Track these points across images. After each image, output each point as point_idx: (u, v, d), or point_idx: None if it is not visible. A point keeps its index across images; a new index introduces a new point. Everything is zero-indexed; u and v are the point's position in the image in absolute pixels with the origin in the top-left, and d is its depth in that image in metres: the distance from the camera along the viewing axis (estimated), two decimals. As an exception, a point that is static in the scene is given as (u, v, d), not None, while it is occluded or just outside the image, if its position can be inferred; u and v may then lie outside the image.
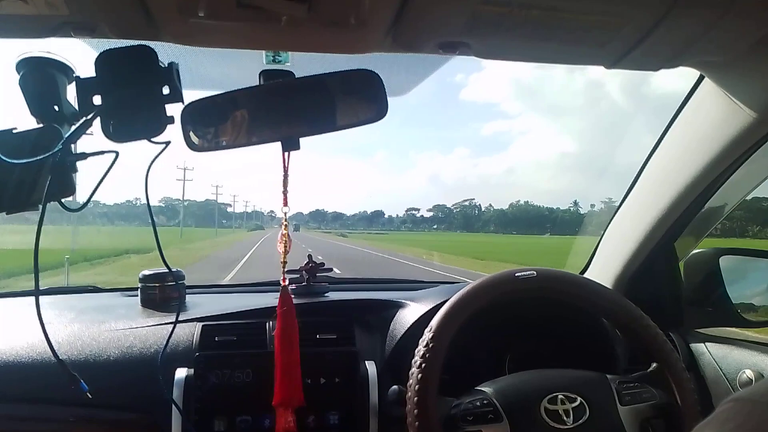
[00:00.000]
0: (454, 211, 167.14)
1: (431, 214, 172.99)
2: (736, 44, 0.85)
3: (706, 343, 1.37)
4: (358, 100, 0.88)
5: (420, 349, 0.99)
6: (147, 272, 1.50)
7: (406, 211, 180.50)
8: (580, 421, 0.95)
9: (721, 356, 1.33)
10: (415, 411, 0.94)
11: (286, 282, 1.09)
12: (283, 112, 0.89)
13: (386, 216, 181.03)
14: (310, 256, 1.54)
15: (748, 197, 1.34)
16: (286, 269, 1.09)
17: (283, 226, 1.06)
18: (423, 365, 0.97)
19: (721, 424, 0.38)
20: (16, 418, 1.17)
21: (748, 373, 1.25)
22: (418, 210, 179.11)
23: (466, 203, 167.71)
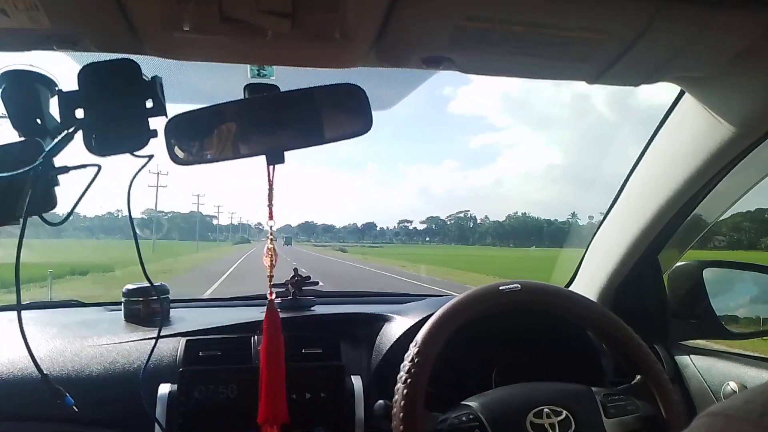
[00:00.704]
0: (448, 223, 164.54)
1: (425, 226, 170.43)
2: (714, 59, 0.86)
3: (691, 356, 1.38)
4: (343, 114, 0.89)
5: (405, 365, 0.98)
6: (130, 286, 1.48)
7: (399, 223, 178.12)
8: None
9: (706, 368, 1.34)
10: (402, 427, 0.93)
11: (273, 296, 1.08)
12: (267, 125, 0.89)
13: (378, 228, 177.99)
14: (295, 270, 1.53)
15: (753, 208, 1.35)
16: (272, 283, 1.09)
17: (268, 240, 1.05)
18: (408, 381, 0.96)
19: None
20: None
21: (732, 385, 1.25)
22: (411, 222, 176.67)
23: (461, 215, 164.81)
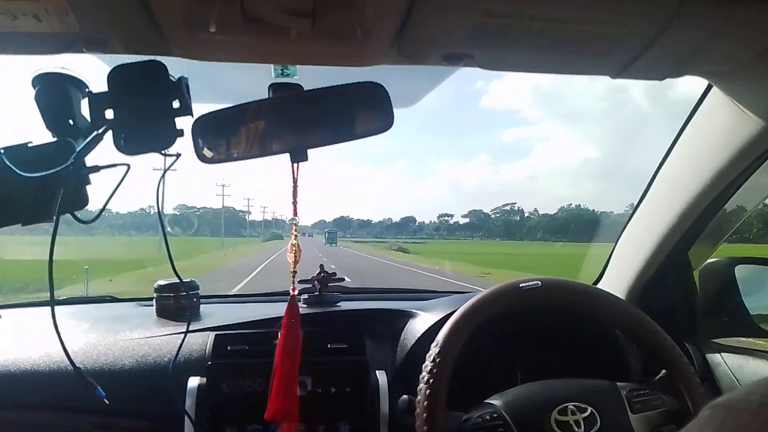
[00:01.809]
0: (492, 216, 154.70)
1: (466, 220, 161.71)
2: (741, 52, 0.85)
3: (722, 354, 1.35)
4: (365, 112, 0.90)
5: (427, 365, 0.99)
6: (162, 282, 1.52)
7: (438, 217, 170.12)
8: (592, 431, 0.94)
9: (737, 366, 1.31)
10: (425, 428, 0.94)
11: (295, 292, 1.09)
12: (291, 124, 0.91)
13: (417, 223, 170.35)
14: (321, 266, 1.55)
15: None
16: (295, 278, 1.10)
17: (293, 236, 1.07)
18: (430, 380, 0.96)
19: (698, 429, 0.38)
20: (35, 425, 1.19)
21: None
22: (451, 216, 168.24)
23: (507, 208, 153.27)
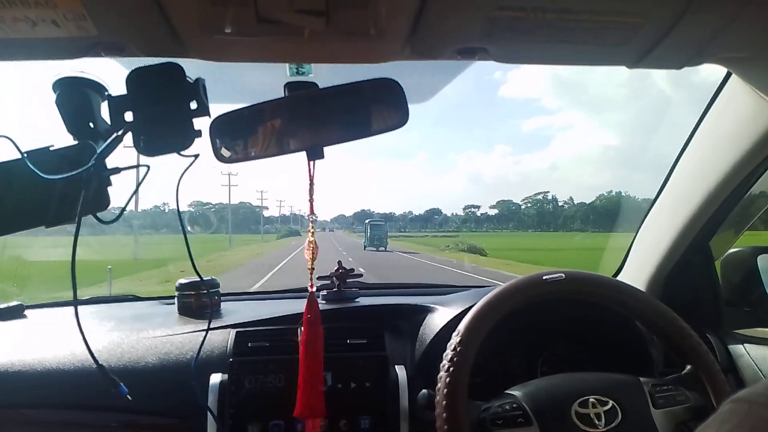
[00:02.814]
0: (523, 207, 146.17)
1: (495, 211, 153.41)
2: (759, 38, 0.83)
3: (745, 345, 1.34)
4: (380, 108, 0.90)
5: (448, 354, 0.99)
6: (183, 281, 1.54)
7: (464, 209, 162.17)
8: (613, 425, 0.94)
9: (761, 357, 1.30)
10: (444, 415, 0.94)
11: (314, 288, 1.10)
12: (307, 122, 0.91)
13: (443, 215, 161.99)
14: (339, 263, 1.56)
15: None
16: (313, 275, 1.11)
17: (310, 233, 1.07)
18: (451, 369, 0.97)
19: (719, 424, 0.38)
20: (60, 424, 1.21)
21: None
22: (478, 207, 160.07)
23: (539, 197, 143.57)
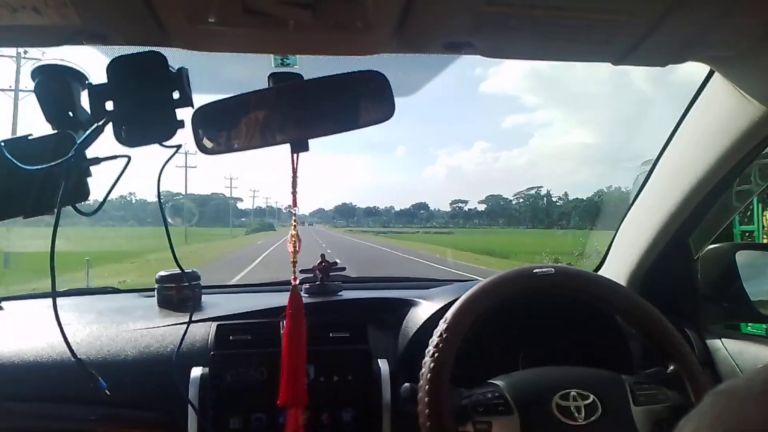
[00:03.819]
0: (514, 202, 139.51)
1: (484, 206, 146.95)
2: (744, 38, 0.84)
3: (722, 339, 1.36)
4: (366, 101, 0.89)
5: (434, 340, 0.99)
6: (163, 273, 1.52)
7: (452, 204, 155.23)
8: (592, 419, 0.95)
9: (737, 352, 1.32)
10: (427, 399, 0.94)
11: (297, 281, 1.10)
12: (292, 114, 0.90)
13: (430, 210, 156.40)
14: (323, 256, 1.55)
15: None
16: (295, 268, 1.10)
17: (292, 226, 1.07)
18: (436, 355, 0.97)
19: (700, 417, 0.38)
20: (39, 416, 1.20)
21: None
22: (466, 202, 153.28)
23: (532, 192, 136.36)
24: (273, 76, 0.91)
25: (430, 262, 22.80)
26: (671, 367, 1.03)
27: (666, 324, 1.05)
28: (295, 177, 0.99)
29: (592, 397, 0.97)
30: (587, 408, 0.96)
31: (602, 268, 1.58)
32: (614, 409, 0.97)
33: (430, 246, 36.36)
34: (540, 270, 1.06)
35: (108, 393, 0.93)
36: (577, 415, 0.95)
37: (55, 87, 0.80)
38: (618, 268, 1.49)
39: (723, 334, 1.38)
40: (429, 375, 0.96)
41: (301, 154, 0.97)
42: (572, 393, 0.97)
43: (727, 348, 1.34)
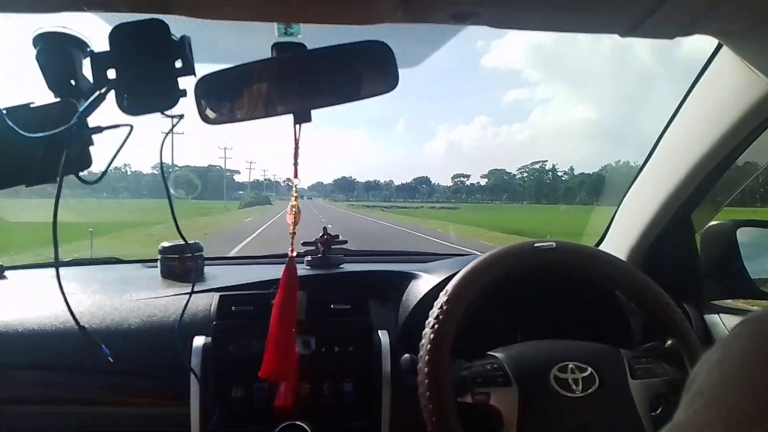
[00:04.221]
0: (518, 176, 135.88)
1: (486, 181, 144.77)
2: (753, 11, 0.83)
3: (721, 315, 1.37)
4: (370, 72, 0.88)
5: (435, 311, 1.00)
6: (166, 244, 1.53)
7: (453, 178, 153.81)
8: (589, 391, 0.96)
9: None
10: (426, 370, 0.95)
11: (294, 254, 1.10)
12: (295, 84, 0.90)
13: (433, 184, 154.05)
14: (325, 229, 1.55)
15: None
16: (301, 242, 1.10)
17: (293, 198, 1.07)
18: (436, 326, 0.98)
19: (726, 345, 0.38)
20: (43, 384, 1.21)
21: None
22: (468, 177, 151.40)
23: (537, 166, 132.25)
24: (276, 46, 0.90)
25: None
26: (670, 342, 1.04)
27: (667, 300, 1.05)
28: (297, 148, 0.99)
29: (590, 369, 0.98)
30: (585, 380, 0.97)
31: (603, 242, 1.58)
32: (611, 382, 0.98)
33: (457, 226, 32.14)
34: (541, 244, 1.07)
35: (111, 360, 0.94)
36: (574, 387, 0.96)
37: (57, 55, 0.79)
38: (619, 243, 1.49)
39: (721, 310, 1.38)
40: (429, 346, 0.97)
41: (300, 127, 0.96)
42: (570, 366, 0.98)
43: (725, 324, 1.35)
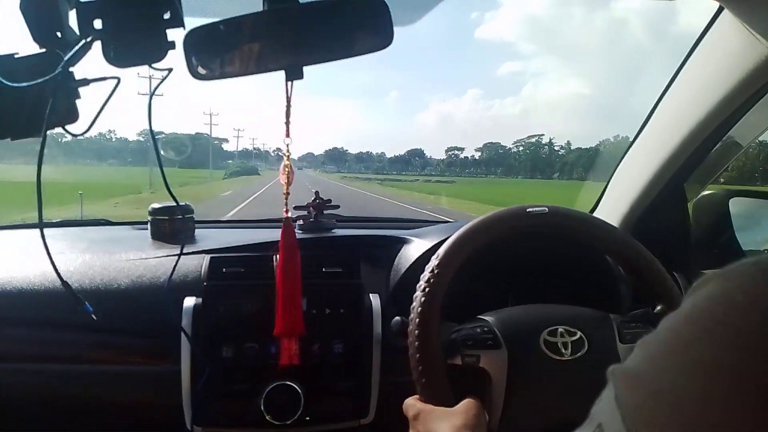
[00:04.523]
0: (513, 150, 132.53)
1: (480, 154, 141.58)
2: None
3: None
4: (364, 27, 0.86)
5: (426, 275, 0.99)
6: (156, 205, 1.52)
7: (447, 151, 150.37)
8: (578, 354, 0.97)
9: None
10: (417, 332, 0.95)
11: (289, 214, 1.09)
12: (286, 39, 0.87)
13: (426, 157, 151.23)
14: (317, 193, 1.55)
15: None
16: (288, 200, 1.09)
17: (285, 157, 1.05)
18: (427, 289, 0.98)
19: (725, 276, 0.38)
20: (31, 341, 1.21)
21: None
22: (462, 150, 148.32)
23: (533, 140, 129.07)
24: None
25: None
26: (659, 307, 1.04)
27: (658, 266, 1.05)
28: (288, 106, 0.97)
29: (579, 333, 0.99)
30: (574, 344, 0.97)
31: (596, 211, 1.58)
32: (600, 345, 0.98)
33: (466, 202, 29.23)
34: (533, 209, 1.06)
35: (94, 318, 0.93)
36: (563, 351, 0.97)
37: (42, 4, 0.77)
38: (611, 211, 1.49)
39: None
40: (419, 309, 0.97)
41: (292, 84, 0.95)
42: (560, 330, 0.99)
43: None
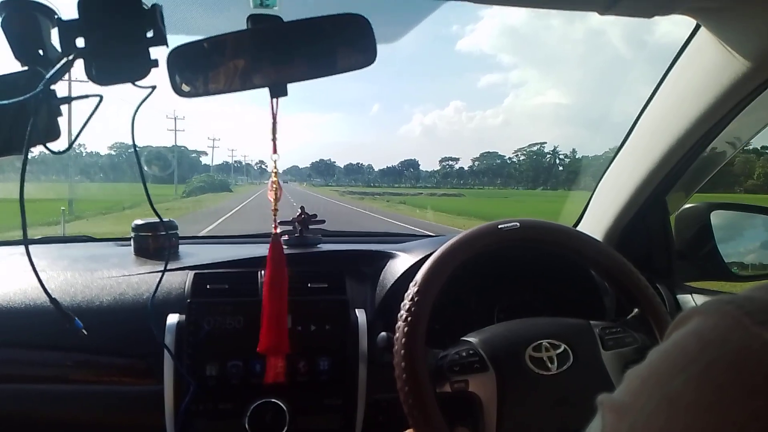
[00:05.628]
0: (511, 160, 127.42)
1: (477, 164, 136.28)
2: None
3: (693, 295, 1.39)
4: (347, 45, 0.87)
5: (405, 304, 0.99)
6: (139, 222, 1.51)
7: (441, 161, 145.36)
8: (564, 367, 0.97)
9: None
10: (403, 364, 0.95)
11: (278, 230, 1.09)
12: (270, 57, 0.88)
13: (420, 168, 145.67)
14: (302, 208, 1.54)
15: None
16: (276, 217, 1.09)
17: (273, 174, 1.05)
18: (409, 319, 0.97)
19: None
20: (12, 362, 1.19)
21: None
22: (456, 160, 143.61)
23: (534, 149, 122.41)
24: (251, 18, 0.88)
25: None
26: (636, 310, 1.06)
27: (630, 269, 1.06)
28: (275, 122, 0.98)
29: (563, 346, 0.99)
30: (559, 357, 0.97)
31: (580, 223, 1.59)
32: (585, 355, 0.99)
33: None
34: (505, 225, 1.06)
35: (85, 333, 0.92)
36: (549, 365, 0.97)
37: (23, 22, 0.77)
38: (595, 224, 1.50)
39: (694, 290, 1.40)
40: (403, 340, 0.95)
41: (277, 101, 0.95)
42: (544, 344, 0.99)
43: (697, 303, 1.37)
